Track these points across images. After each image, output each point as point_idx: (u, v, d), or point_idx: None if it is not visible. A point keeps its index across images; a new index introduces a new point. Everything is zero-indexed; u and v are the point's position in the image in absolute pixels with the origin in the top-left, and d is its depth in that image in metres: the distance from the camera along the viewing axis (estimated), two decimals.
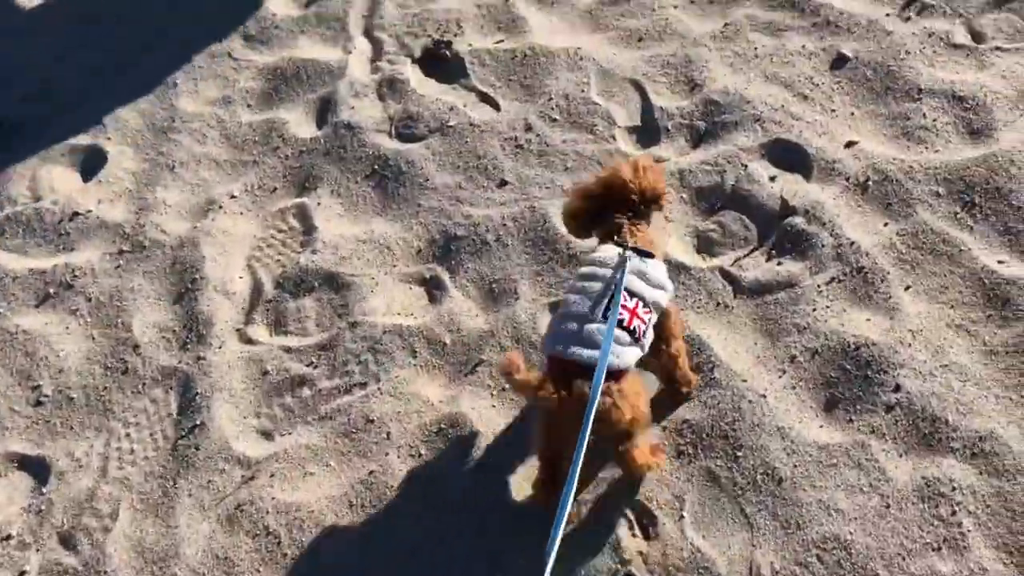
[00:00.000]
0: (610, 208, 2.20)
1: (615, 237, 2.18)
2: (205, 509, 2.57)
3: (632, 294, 2.08)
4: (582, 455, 1.82)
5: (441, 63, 3.62)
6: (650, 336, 2.13)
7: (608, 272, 2.09)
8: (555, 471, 2.11)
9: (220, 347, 2.92)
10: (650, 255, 2.17)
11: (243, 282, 3.10)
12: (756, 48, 3.36)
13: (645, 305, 2.09)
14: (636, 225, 2.22)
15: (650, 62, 3.41)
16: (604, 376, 1.92)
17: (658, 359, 2.28)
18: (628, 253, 2.11)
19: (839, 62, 3.22)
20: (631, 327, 2.04)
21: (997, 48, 3.15)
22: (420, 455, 2.54)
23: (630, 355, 2.04)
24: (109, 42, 4.14)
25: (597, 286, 2.08)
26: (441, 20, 3.74)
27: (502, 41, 3.58)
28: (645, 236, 2.22)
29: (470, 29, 3.68)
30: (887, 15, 3.33)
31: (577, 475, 1.81)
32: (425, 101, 3.47)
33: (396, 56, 3.64)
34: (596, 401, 1.86)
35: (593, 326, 2.01)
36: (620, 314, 2.01)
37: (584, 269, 2.16)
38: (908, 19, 3.30)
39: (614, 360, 1.98)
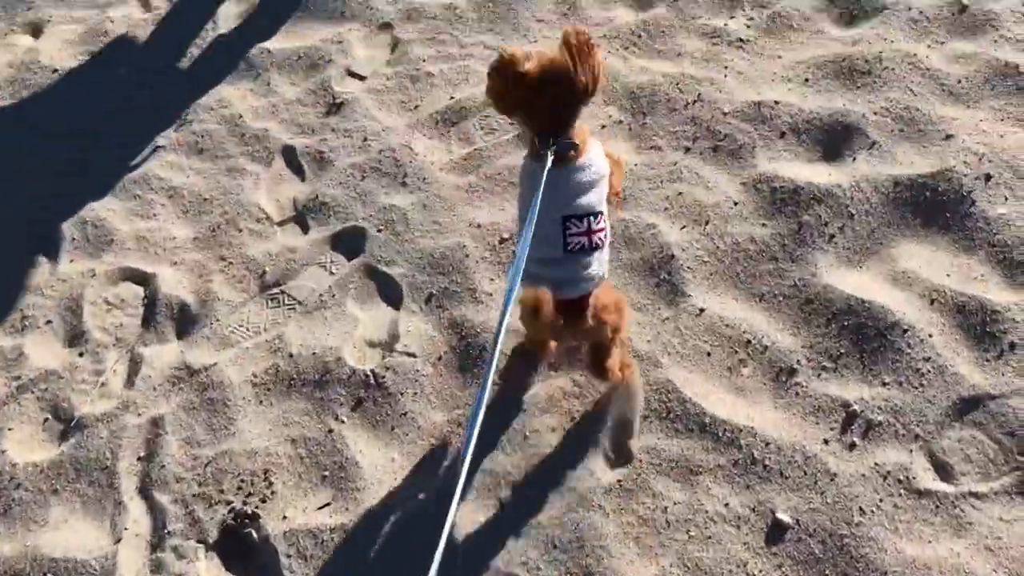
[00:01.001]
0: (541, 101, 2.08)
1: (544, 139, 2.13)
2: None
3: (581, 217, 2.16)
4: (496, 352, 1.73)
5: (245, 552, 2.71)
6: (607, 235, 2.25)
7: (554, 204, 2.11)
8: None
9: None
10: (574, 146, 2.16)
11: None
12: (666, 516, 2.53)
13: (595, 215, 2.19)
14: (571, 121, 2.16)
15: None
16: (586, 291, 2.21)
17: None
18: (565, 184, 2.16)
19: (776, 532, 2.40)
20: (593, 244, 2.18)
21: (971, 494, 2.38)
22: None
23: (602, 266, 2.22)
24: None
25: (551, 223, 2.13)
26: (244, 470, 2.87)
27: (327, 505, 2.64)
28: (580, 132, 2.20)
29: (284, 485, 2.79)
30: (825, 443, 2.59)
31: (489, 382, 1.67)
32: None
33: (184, 542, 2.65)
34: (508, 312, 1.74)
35: (560, 271, 2.16)
36: (578, 243, 2.16)
37: (526, 198, 2.14)
38: (852, 447, 2.54)
39: (591, 283, 2.22)
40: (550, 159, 2.06)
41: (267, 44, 4.11)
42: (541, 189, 1.97)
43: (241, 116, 3.84)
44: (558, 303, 2.04)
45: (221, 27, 4.26)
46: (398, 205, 3.37)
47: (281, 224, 3.47)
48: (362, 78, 3.90)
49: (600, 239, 2.19)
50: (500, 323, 1.69)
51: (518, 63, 2.00)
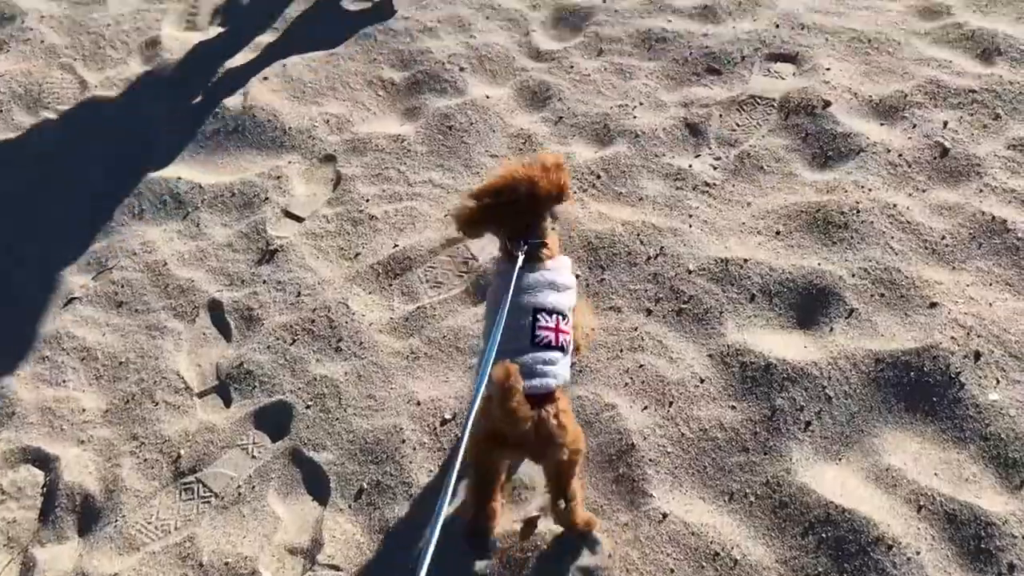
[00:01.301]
0: (511, 208, 2.26)
1: (515, 241, 2.31)
2: None
3: (551, 312, 2.24)
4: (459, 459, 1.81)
5: None
6: (572, 342, 2.31)
7: (524, 298, 2.24)
8: (488, 488, 2.32)
9: None
10: (543, 244, 2.33)
11: None
12: None
13: (564, 317, 2.26)
14: (539, 226, 2.34)
15: None
16: (544, 397, 2.16)
17: None
18: (536, 280, 2.28)
19: None
20: (559, 344, 2.23)
21: None
22: None
23: (564, 370, 2.24)
24: None
25: (518, 313, 2.22)
26: None
27: None
28: (549, 237, 2.36)
29: None
30: None
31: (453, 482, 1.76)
32: None
33: None
34: (475, 408, 1.91)
35: (527, 357, 2.17)
36: (545, 337, 2.22)
37: (496, 296, 2.28)
38: None
39: (553, 381, 2.18)
40: (521, 257, 2.26)
41: (199, 177, 3.80)
42: (512, 284, 2.19)
43: (166, 263, 3.53)
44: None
45: (154, 156, 3.95)
46: (330, 376, 3.05)
47: (201, 395, 3.14)
48: (299, 219, 3.60)
49: (565, 340, 2.25)
50: (469, 414, 1.86)
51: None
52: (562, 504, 2.37)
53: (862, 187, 3.34)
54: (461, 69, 4.09)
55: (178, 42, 4.53)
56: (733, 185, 3.47)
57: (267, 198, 3.73)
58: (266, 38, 4.46)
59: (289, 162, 3.87)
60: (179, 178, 3.86)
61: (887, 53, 3.82)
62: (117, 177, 3.96)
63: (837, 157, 3.49)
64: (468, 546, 2.55)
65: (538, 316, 2.24)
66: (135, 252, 3.65)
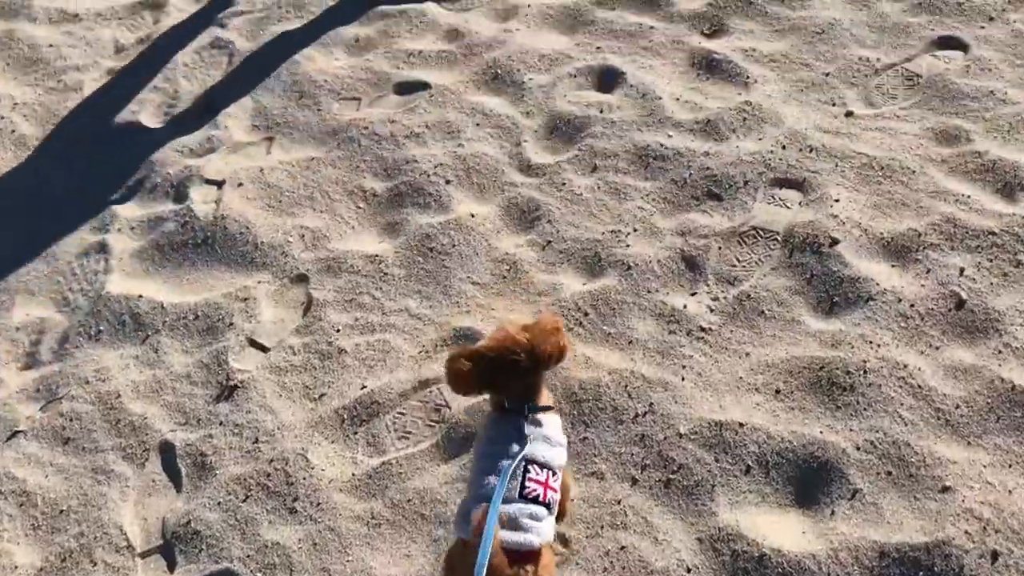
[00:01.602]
0: (510, 371, 2.24)
1: (513, 400, 2.32)
2: None
3: (542, 466, 2.22)
4: None
5: None
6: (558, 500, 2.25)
7: (514, 447, 2.22)
8: None
9: None
10: (548, 408, 2.36)
11: None
12: None
13: (554, 473, 2.24)
14: (538, 385, 2.37)
15: None
16: (527, 555, 2.09)
17: None
18: (530, 432, 2.27)
19: None
20: (547, 501, 2.19)
21: None
22: None
23: (549, 529, 2.18)
24: None
25: (505, 462, 2.18)
26: None
27: None
28: (544, 394, 2.40)
29: None
30: None
31: None
32: None
33: None
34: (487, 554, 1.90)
35: (513, 508, 2.12)
36: (534, 490, 2.18)
37: (488, 445, 2.27)
38: None
39: (536, 540, 2.12)
40: (527, 419, 2.29)
41: (162, 295, 3.58)
42: (526, 440, 2.24)
43: (119, 395, 3.30)
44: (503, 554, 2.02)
45: (117, 268, 3.73)
46: (282, 543, 2.80)
47: (144, 555, 2.89)
48: (265, 349, 3.37)
49: (553, 499, 2.23)
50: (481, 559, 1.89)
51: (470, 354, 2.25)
52: None
53: (870, 342, 3.09)
54: (447, 182, 3.88)
55: (151, 137, 4.32)
56: (731, 331, 3.22)
57: (232, 323, 3.50)
58: (246, 136, 4.25)
59: (259, 282, 3.64)
60: (140, 296, 3.64)
61: (900, 183, 3.58)
62: (75, 291, 3.73)
63: (844, 304, 3.24)
64: None
65: (529, 467, 2.22)
66: (88, 380, 3.41)
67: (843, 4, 4.43)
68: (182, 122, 4.49)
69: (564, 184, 3.85)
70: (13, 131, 4.49)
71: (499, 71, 4.39)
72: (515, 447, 2.24)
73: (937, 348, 3.10)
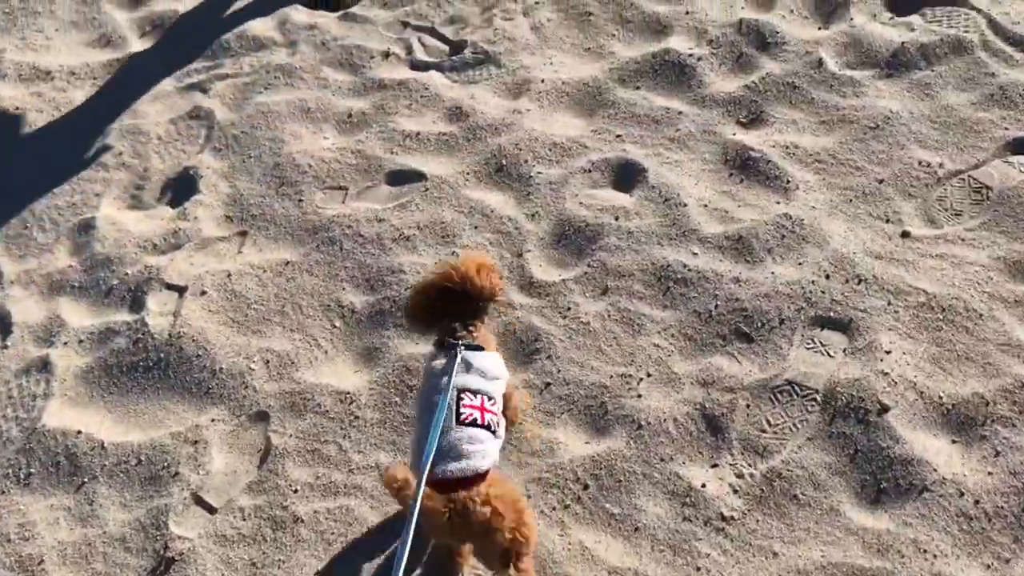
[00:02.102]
0: (448, 305, 2.48)
1: (449, 337, 2.48)
2: None
3: (476, 392, 2.36)
4: (406, 552, 1.93)
5: None
6: (503, 425, 2.42)
7: (444, 380, 2.36)
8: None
9: None
10: (480, 348, 2.49)
11: None
12: None
13: (490, 398, 2.38)
14: (472, 323, 2.55)
15: None
16: (473, 478, 2.21)
17: None
18: (460, 351, 2.42)
19: None
20: (486, 423, 2.32)
21: None
22: None
23: (493, 450, 2.30)
24: None
25: (437, 397, 2.30)
26: None
27: None
28: (482, 333, 2.57)
29: None
30: None
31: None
32: None
33: None
34: (420, 499, 2.06)
35: (454, 435, 2.23)
36: (470, 414, 2.30)
37: (428, 381, 2.44)
38: None
39: (481, 462, 2.23)
40: (461, 353, 2.41)
41: (104, 432, 3.15)
42: (454, 372, 2.35)
43: (42, 561, 2.90)
44: (446, 485, 2.16)
45: (56, 393, 3.29)
46: None
47: None
48: (212, 510, 2.91)
49: (493, 422, 2.34)
50: (415, 501, 2.06)
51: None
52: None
53: (924, 551, 2.57)
54: None
55: (114, 227, 3.89)
56: (757, 520, 2.70)
57: (178, 472, 3.05)
58: (216, 228, 3.78)
59: (212, 419, 3.19)
60: (79, 432, 3.20)
61: (964, 329, 3.03)
62: (10, 418, 3.28)
63: (894, 493, 2.71)
64: None
65: (462, 395, 2.34)
66: (10, 538, 2.97)
67: (902, 93, 3.88)
68: (149, 207, 4.03)
69: (569, 309, 3.34)
70: None
71: (504, 161, 3.88)
72: (446, 379, 2.36)
73: (1007, 561, 2.55)
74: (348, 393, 3.23)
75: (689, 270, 3.42)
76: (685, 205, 3.63)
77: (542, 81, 4.27)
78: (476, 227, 3.71)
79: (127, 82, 4.65)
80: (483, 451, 2.26)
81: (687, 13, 4.48)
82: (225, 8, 4.90)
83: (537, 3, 4.66)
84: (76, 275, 3.80)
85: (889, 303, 3.21)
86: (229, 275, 3.66)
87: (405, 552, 1.93)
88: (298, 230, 3.82)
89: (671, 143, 3.92)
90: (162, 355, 3.43)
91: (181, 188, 4.13)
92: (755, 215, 3.57)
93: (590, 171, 3.86)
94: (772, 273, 3.36)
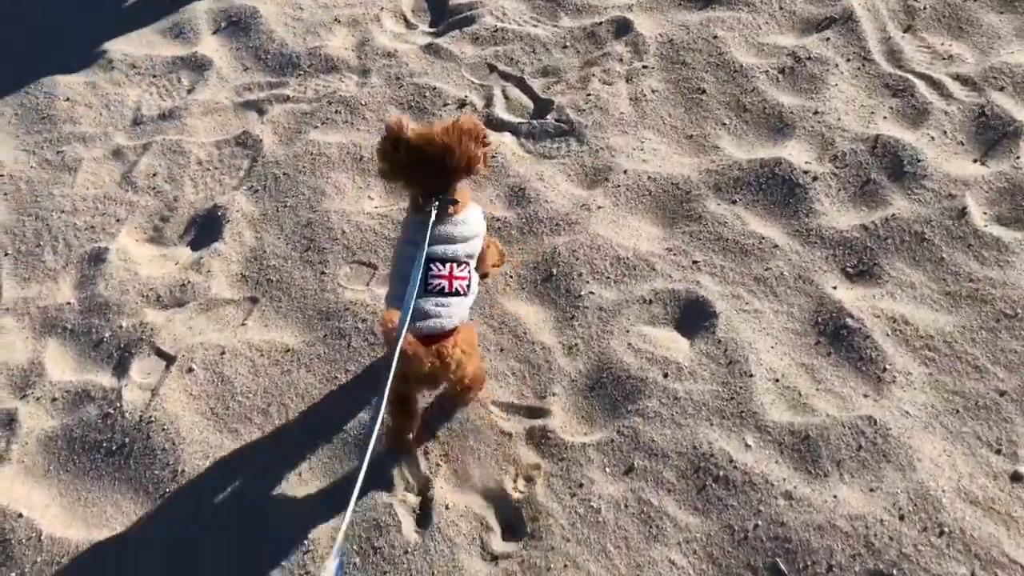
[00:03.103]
0: (425, 171, 2.57)
1: (426, 198, 2.63)
2: None
3: (443, 260, 2.58)
4: (386, 394, 2.28)
5: None
6: (475, 280, 2.73)
7: (414, 251, 2.55)
8: (404, 417, 2.83)
9: None
10: (454, 202, 2.64)
11: None
12: None
13: (459, 263, 2.61)
14: (452, 185, 2.65)
15: None
16: (443, 336, 2.55)
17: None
18: (432, 216, 2.58)
19: None
20: (452, 290, 2.57)
21: None
22: None
23: (461, 310, 2.59)
24: None
25: (417, 264, 2.51)
26: None
27: None
28: (462, 192, 2.71)
29: None
30: None
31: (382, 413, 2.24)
32: None
33: None
34: (399, 349, 2.33)
35: (422, 303, 2.53)
36: (438, 284, 2.56)
37: (400, 247, 2.68)
38: None
39: (447, 321, 2.55)
40: (434, 213, 2.56)
41: (46, 521, 3.10)
42: (428, 237, 2.53)
43: None
44: (422, 339, 2.46)
45: (13, 457, 3.12)
46: None
47: None
48: None
49: (461, 286, 2.60)
50: (392, 360, 2.32)
51: (401, 130, 2.52)
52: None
53: None
54: (434, 437, 2.92)
55: (124, 264, 3.57)
56: None
57: None
58: (228, 289, 3.43)
59: (156, 532, 2.81)
60: (21, 515, 2.91)
61: None
62: None
63: None
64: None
65: (431, 266, 2.55)
66: None
67: None
68: (168, 244, 3.71)
69: (582, 486, 2.83)
70: None
71: (555, 270, 3.36)
72: (415, 251, 2.52)
73: None
74: (308, 539, 2.81)
75: (735, 467, 2.83)
76: (751, 376, 3.03)
77: (624, 172, 3.68)
78: (502, 349, 3.21)
79: (184, 86, 4.29)
80: (450, 313, 2.54)
81: (815, 113, 3.77)
82: (309, 11, 4.47)
83: (646, 68, 4.03)
84: (72, 315, 3.51)
85: (973, 574, 2.54)
86: (223, 353, 3.29)
87: (386, 393, 2.29)
88: (310, 310, 3.41)
89: (756, 284, 3.29)
90: (127, 439, 3.12)
91: (205, 229, 3.77)
92: (833, 408, 2.94)
93: (651, 302, 3.28)
94: (834, 496, 2.74)
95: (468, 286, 2.64)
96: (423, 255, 2.50)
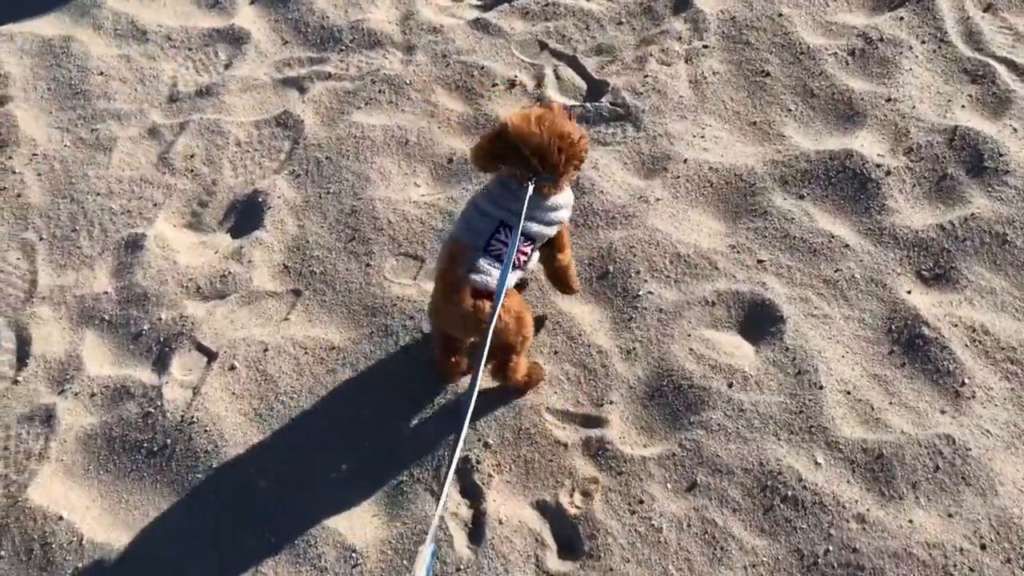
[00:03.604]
0: (513, 156, 2.60)
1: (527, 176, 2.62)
2: None
3: (512, 229, 2.58)
4: (484, 360, 2.32)
5: None
6: (534, 258, 2.80)
7: (499, 213, 2.67)
8: (449, 346, 2.91)
9: None
10: (554, 182, 2.67)
11: None
12: None
13: (528, 240, 2.70)
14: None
15: None
16: (485, 293, 2.59)
17: (550, 267, 3.00)
18: (520, 206, 2.59)
19: None
20: (503, 261, 2.56)
21: None
22: None
23: (503, 281, 2.48)
24: None
25: (489, 221, 2.66)
26: None
27: None
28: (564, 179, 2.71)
29: None
30: None
31: (480, 376, 2.27)
32: None
33: None
34: (494, 321, 2.38)
35: (482, 261, 2.62)
36: (498, 248, 2.63)
37: (483, 196, 2.72)
38: None
39: (491, 282, 2.59)
40: (531, 187, 2.60)
41: (86, 522, 3.05)
42: (526, 202, 2.59)
43: None
44: (473, 291, 2.58)
45: (52, 455, 3.15)
46: None
47: None
48: None
49: (518, 260, 2.68)
50: (492, 314, 2.41)
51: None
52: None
53: None
54: (485, 445, 2.82)
55: (162, 252, 3.47)
56: None
57: None
58: (270, 280, 3.34)
59: (198, 548, 2.74)
60: (61, 518, 2.85)
61: None
62: None
63: None
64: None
65: (500, 230, 2.64)
66: None
67: None
68: (207, 230, 3.59)
69: (642, 503, 2.72)
70: (19, 195, 3.72)
71: (612, 267, 3.22)
72: (495, 211, 2.65)
73: None
74: (354, 551, 2.72)
75: (805, 487, 2.70)
76: (821, 387, 2.88)
77: (684, 161, 3.51)
78: (556, 352, 3.09)
79: (221, 60, 4.14)
80: (493, 276, 2.60)
81: (888, 100, 3.57)
82: None
83: (706, 47, 3.83)
84: (109, 306, 3.40)
85: None
86: (266, 349, 3.18)
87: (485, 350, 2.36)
88: (356, 304, 3.29)
89: (825, 287, 3.13)
90: (169, 440, 3.03)
91: (246, 215, 3.65)
92: (908, 425, 2.79)
93: (714, 304, 3.13)
94: (910, 521, 2.61)
95: (525, 263, 2.74)
96: (518, 231, 2.53)
